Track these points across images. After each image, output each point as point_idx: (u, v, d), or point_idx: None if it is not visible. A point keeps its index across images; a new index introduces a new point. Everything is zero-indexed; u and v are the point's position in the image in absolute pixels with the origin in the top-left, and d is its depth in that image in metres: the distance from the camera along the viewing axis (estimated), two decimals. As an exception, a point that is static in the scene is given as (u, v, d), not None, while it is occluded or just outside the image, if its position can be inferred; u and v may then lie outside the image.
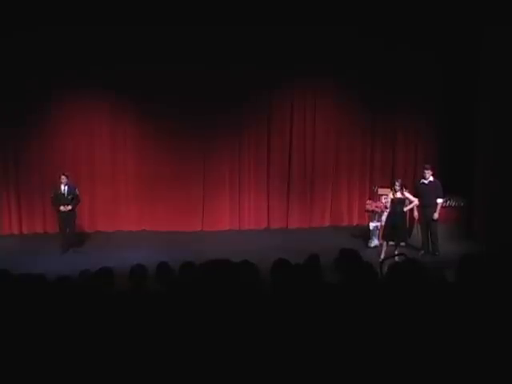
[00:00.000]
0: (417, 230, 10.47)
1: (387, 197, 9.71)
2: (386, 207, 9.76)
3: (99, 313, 3.73)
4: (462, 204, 10.82)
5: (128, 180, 11.97)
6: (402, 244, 9.43)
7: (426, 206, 9.81)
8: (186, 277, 4.40)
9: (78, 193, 10.28)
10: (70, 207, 10.09)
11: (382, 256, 9.00)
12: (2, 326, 3.55)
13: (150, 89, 11.40)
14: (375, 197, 10.86)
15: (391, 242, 9.42)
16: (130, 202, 12.00)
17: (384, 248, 9.42)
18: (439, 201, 9.86)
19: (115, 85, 11.39)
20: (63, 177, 10.15)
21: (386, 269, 4.23)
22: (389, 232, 9.43)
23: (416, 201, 9.55)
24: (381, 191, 10.70)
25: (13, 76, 11.10)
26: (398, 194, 9.34)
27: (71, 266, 7.02)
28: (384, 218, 9.85)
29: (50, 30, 10.80)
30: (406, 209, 9.55)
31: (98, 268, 4.72)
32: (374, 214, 10.53)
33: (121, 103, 11.71)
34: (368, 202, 10.86)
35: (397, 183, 9.38)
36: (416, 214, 9.91)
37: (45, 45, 11.00)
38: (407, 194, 9.50)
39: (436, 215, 9.81)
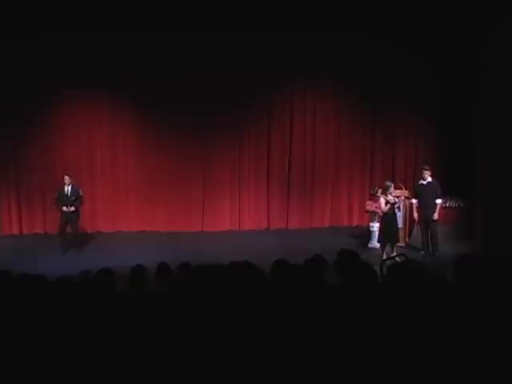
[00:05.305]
0: (417, 231, 10.46)
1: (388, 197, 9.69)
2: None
3: (99, 313, 3.73)
4: (462, 204, 10.81)
5: (128, 180, 11.97)
6: (402, 245, 9.41)
7: (426, 207, 9.81)
8: (184, 277, 4.40)
9: (81, 194, 10.26)
10: (72, 208, 10.08)
11: (384, 257, 8.99)
12: (2, 326, 3.55)
13: (150, 89, 11.41)
14: (375, 197, 10.84)
15: (388, 244, 9.42)
16: (130, 203, 12.00)
17: (384, 249, 9.41)
18: (438, 201, 9.86)
19: (115, 85, 11.40)
20: (67, 177, 10.13)
21: (385, 269, 4.24)
22: (384, 234, 9.42)
23: (393, 199, 9.45)
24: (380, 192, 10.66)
25: (13, 76, 11.10)
26: (390, 197, 9.35)
27: (71, 267, 7.03)
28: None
29: (49, 30, 10.79)
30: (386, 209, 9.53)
31: (99, 268, 4.71)
32: (375, 215, 10.53)
33: (121, 103, 11.72)
34: (368, 202, 10.85)
35: (390, 187, 9.36)
36: (416, 214, 9.90)
37: (45, 45, 11.00)
38: (390, 197, 9.44)
39: (436, 216, 9.81)
